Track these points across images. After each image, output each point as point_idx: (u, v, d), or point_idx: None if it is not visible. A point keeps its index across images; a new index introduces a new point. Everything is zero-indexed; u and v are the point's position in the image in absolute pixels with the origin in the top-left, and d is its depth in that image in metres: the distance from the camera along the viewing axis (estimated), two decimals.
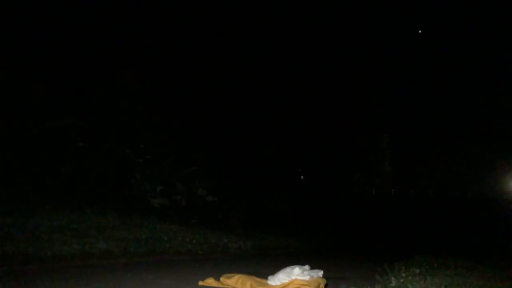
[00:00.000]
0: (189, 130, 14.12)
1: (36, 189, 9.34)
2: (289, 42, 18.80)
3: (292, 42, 18.95)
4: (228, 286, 4.43)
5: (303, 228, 14.98)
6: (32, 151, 10.21)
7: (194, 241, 8.25)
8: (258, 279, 4.53)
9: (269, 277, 4.45)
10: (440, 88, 27.31)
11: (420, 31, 26.59)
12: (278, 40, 18.33)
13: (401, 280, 4.73)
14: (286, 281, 4.28)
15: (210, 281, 4.55)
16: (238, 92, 16.55)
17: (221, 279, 4.53)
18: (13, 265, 4.99)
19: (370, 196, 24.69)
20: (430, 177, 28.15)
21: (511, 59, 26.33)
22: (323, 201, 19.27)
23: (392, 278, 4.84)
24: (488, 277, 5.82)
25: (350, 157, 23.15)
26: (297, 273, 4.29)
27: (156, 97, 13.35)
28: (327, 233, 15.48)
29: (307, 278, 4.27)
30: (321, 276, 4.44)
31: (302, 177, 22.51)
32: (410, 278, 4.94)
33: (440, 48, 26.86)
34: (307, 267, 4.45)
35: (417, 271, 5.52)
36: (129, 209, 10.07)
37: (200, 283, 4.54)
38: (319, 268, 4.58)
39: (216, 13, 16.10)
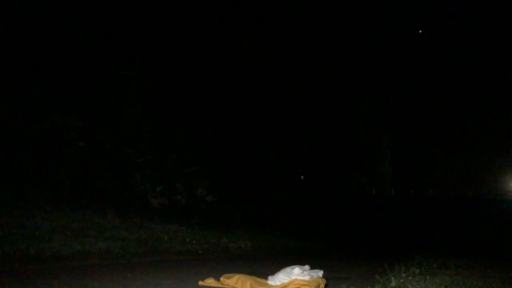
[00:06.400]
0: (189, 130, 14.12)
1: (36, 189, 9.34)
2: (289, 41, 18.79)
3: (292, 41, 18.95)
4: (228, 286, 4.43)
5: (303, 228, 14.98)
6: (32, 151, 10.21)
7: (194, 241, 8.25)
8: (258, 279, 4.52)
9: (269, 277, 4.45)
10: (440, 88, 27.31)
11: (420, 31, 26.58)
12: (278, 39, 18.32)
13: (401, 280, 4.73)
14: (286, 281, 4.28)
15: (210, 281, 4.55)
16: (238, 92, 16.54)
17: (221, 279, 4.53)
18: (13, 265, 4.99)
19: (370, 196, 24.68)
20: (430, 177, 28.16)
21: (511, 58, 26.31)
22: (323, 201, 19.27)
23: (392, 278, 4.84)
24: (488, 277, 5.81)
25: (350, 157, 23.13)
26: (297, 273, 4.29)
27: (156, 97, 13.35)
28: (327, 233, 15.48)
29: (307, 278, 4.26)
30: (321, 276, 4.44)
31: (302, 177, 22.50)
32: (410, 278, 4.94)
33: (440, 48, 26.85)
34: (307, 267, 4.45)
35: (417, 271, 5.52)
36: (129, 209, 10.08)
37: (200, 283, 4.54)
38: (319, 268, 4.57)
39: (215, 12, 16.09)
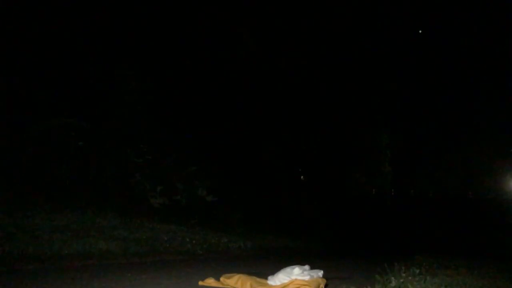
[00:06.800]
0: (189, 130, 14.12)
1: (36, 189, 9.34)
2: (289, 42, 18.79)
3: (292, 41, 18.95)
4: (228, 286, 4.43)
5: (303, 228, 14.99)
6: (32, 151, 10.21)
7: (194, 241, 8.25)
8: (258, 279, 4.52)
9: (269, 277, 4.45)
10: (440, 88, 27.32)
11: (420, 31, 26.59)
12: (278, 39, 18.32)
13: (401, 280, 4.72)
14: (286, 281, 4.28)
15: (210, 281, 4.55)
16: (238, 92, 16.54)
17: (221, 279, 4.53)
18: (13, 265, 4.99)
19: (370, 196, 24.70)
20: (430, 177, 28.15)
21: (510, 59, 26.31)
22: (323, 201, 19.28)
23: (392, 278, 4.83)
24: (488, 277, 5.82)
25: (350, 157, 23.14)
26: (297, 273, 4.29)
27: (156, 97, 13.34)
28: (326, 233, 15.50)
29: (307, 278, 4.26)
30: (321, 276, 4.44)
31: (302, 177, 22.51)
32: (410, 278, 4.94)
33: (440, 48, 26.84)
34: (307, 267, 4.45)
35: (417, 271, 5.52)
36: (129, 209, 10.08)
37: (200, 283, 4.54)
38: (319, 268, 4.58)
39: (217, 12, 16.09)
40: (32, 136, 10.39)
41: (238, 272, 4.68)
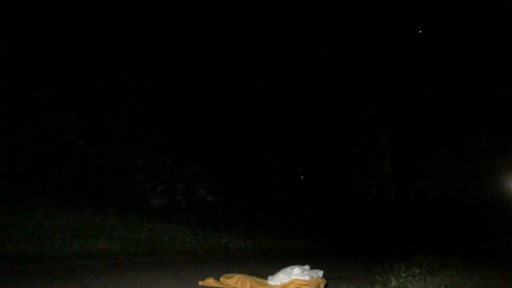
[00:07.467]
0: (189, 130, 14.12)
1: (36, 189, 9.34)
2: (289, 42, 18.79)
3: (292, 42, 18.94)
4: (228, 286, 4.43)
5: (303, 228, 14.99)
6: (32, 151, 10.21)
7: (194, 241, 8.26)
8: (258, 279, 4.52)
9: (269, 277, 4.45)
10: (440, 88, 27.32)
11: (420, 31, 26.61)
12: (278, 40, 18.32)
13: (401, 280, 4.73)
14: (286, 281, 4.28)
15: (210, 281, 4.55)
16: (238, 92, 16.55)
17: (221, 279, 4.53)
18: (13, 265, 4.99)
19: (370, 196, 24.69)
20: (430, 177, 28.15)
21: (510, 59, 26.33)
22: (323, 201, 19.28)
23: (392, 278, 4.83)
24: (488, 277, 5.82)
25: (350, 157, 23.14)
26: (297, 273, 4.29)
27: (156, 97, 13.34)
28: (327, 233, 15.50)
29: (307, 278, 4.26)
30: (321, 276, 4.44)
31: (302, 177, 22.51)
32: (410, 278, 4.94)
33: (440, 48, 26.86)
34: (307, 267, 4.45)
35: (417, 271, 5.52)
36: (129, 209, 10.08)
37: (200, 283, 4.54)
38: (319, 268, 4.58)
39: (216, 13, 16.09)
40: (32, 136, 10.38)
41: (238, 272, 4.68)
